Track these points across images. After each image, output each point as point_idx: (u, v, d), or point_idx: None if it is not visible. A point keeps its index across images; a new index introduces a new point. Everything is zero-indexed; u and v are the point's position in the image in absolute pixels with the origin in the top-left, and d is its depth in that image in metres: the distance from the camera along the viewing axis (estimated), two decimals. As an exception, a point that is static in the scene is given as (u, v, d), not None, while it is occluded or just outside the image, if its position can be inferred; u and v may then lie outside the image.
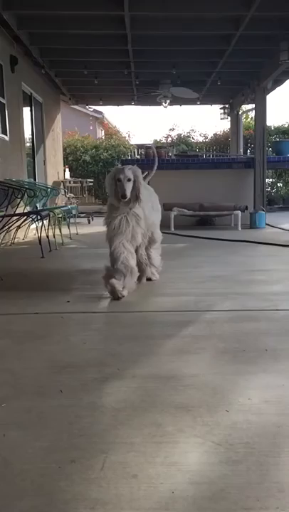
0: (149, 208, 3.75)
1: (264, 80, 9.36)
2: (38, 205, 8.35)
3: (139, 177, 3.45)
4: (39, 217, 6.41)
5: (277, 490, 1.27)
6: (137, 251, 3.60)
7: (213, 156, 15.85)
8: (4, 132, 7.67)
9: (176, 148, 15.12)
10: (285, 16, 6.94)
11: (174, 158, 10.46)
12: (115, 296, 3.28)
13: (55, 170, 11.96)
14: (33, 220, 6.79)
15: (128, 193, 3.36)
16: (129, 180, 3.39)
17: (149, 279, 3.94)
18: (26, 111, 9.49)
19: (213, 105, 13.72)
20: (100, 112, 21.39)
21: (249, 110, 14.48)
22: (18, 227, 6.50)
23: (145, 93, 11.18)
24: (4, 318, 3.01)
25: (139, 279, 3.73)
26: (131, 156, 16.74)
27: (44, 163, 10.69)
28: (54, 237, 6.34)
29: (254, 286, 3.83)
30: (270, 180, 16.39)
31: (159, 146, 12.22)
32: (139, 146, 16.99)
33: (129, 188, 3.38)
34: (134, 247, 3.52)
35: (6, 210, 6.16)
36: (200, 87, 10.96)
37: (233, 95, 12.33)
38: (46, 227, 6.36)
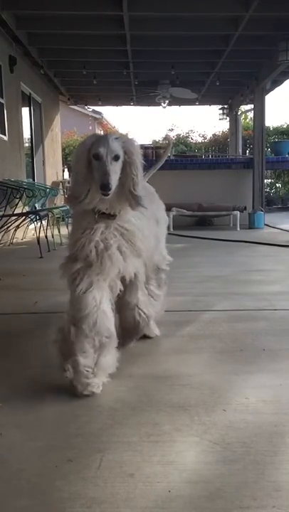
0: (152, 220, 2.26)
1: (263, 81, 9.37)
2: (36, 205, 8.35)
3: (134, 154, 1.88)
4: (38, 217, 6.41)
5: (274, 489, 1.27)
6: (128, 292, 2.12)
7: (212, 156, 15.86)
8: (3, 132, 7.67)
9: (175, 149, 15.12)
10: (284, 16, 6.94)
11: (173, 158, 10.47)
12: (80, 389, 1.82)
13: (54, 170, 11.96)
14: (31, 220, 6.80)
15: (113, 182, 1.80)
16: (116, 158, 1.81)
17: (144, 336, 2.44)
18: (25, 111, 9.48)
19: (212, 106, 13.73)
20: (99, 113, 21.36)
21: (248, 111, 14.50)
22: (17, 227, 6.49)
23: (144, 93, 11.18)
24: (2, 318, 3.01)
25: (128, 339, 2.19)
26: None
27: (43, 164, 10.68)
28: (53, 237, 6.34)
29: (252, 286, 3.83)
30: (269, 180, 16.42)
31: (158, 146, 12.21)
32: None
33: (115, 171, 1.82)
34: (119, 287, 2.03)
35: (4, 210, 6.16)
36: (199, 87, 10.97)
37: (232, 96, 12.33)
38: (45, 227, 6.35)
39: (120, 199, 1.90)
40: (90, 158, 1.84)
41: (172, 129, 20.24)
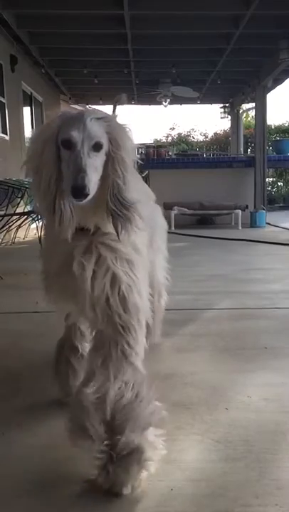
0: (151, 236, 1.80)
1: (264, 79, 9.36)
2: (38, 205, 8.35)
3: (123, 145, 1.28)
4: (39, 216, 6.40)
5: (276, 487, 1.27)
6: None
7: (213, 155, 15.85)
8: (4, 132, 7.67)
9: (176, 148, 15.13)
10: (285, 14, 6.93)
11: (175, 157, 10.48)
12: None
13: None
14: (33, 219, 6.79)
15: (92, 183, 1.20)
16: (97, 147, 1.23)
17: None
18: (26, 110, 9.49)
19: (213, 104, 13.74)
20: (100, 112, 21.37)
21: (249, 109, 14.49)
22: (19, 226, 6.49)
23: (145, 92, 11.18)
24: (4, 317, 3.01)
25: None
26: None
27: (44, 163, 10.69)
28: (54, 236, 6.32)
29: (253, 284, 3.83)
30: (271, 179, 16.41)
31: (159, 145, 12.22)
32: (139, 146, 17.00)
33: (96, 167, 1.23)
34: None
35: (6, 210, 6.16)
36: (200, 86, 10.97)
37: (233, 94, 12.33)
38: (46, 227, 6.35)
39: (98, 209, 1.30)
40: (56, 148, 1.25)
41: (174, 128, 20.25)
